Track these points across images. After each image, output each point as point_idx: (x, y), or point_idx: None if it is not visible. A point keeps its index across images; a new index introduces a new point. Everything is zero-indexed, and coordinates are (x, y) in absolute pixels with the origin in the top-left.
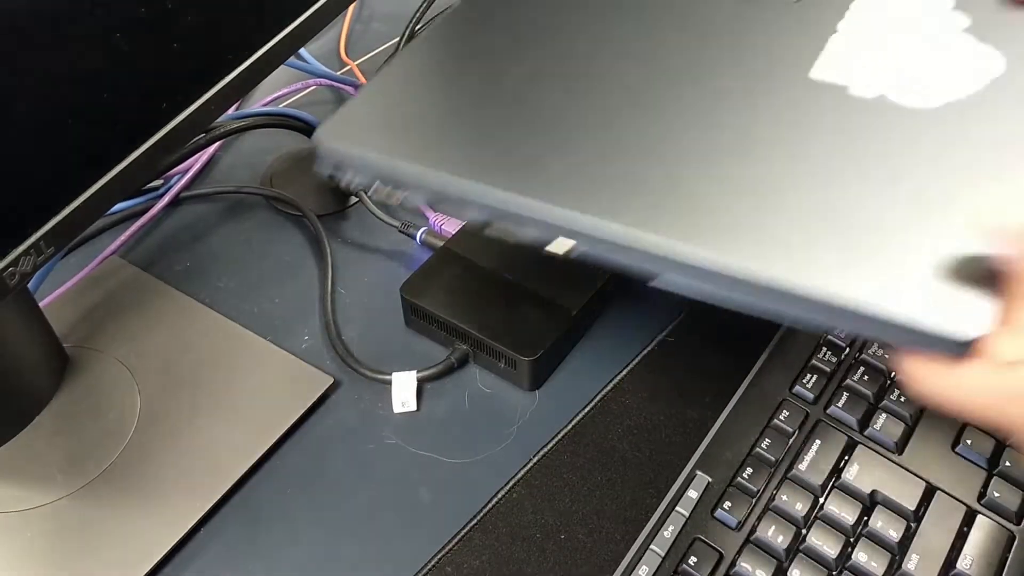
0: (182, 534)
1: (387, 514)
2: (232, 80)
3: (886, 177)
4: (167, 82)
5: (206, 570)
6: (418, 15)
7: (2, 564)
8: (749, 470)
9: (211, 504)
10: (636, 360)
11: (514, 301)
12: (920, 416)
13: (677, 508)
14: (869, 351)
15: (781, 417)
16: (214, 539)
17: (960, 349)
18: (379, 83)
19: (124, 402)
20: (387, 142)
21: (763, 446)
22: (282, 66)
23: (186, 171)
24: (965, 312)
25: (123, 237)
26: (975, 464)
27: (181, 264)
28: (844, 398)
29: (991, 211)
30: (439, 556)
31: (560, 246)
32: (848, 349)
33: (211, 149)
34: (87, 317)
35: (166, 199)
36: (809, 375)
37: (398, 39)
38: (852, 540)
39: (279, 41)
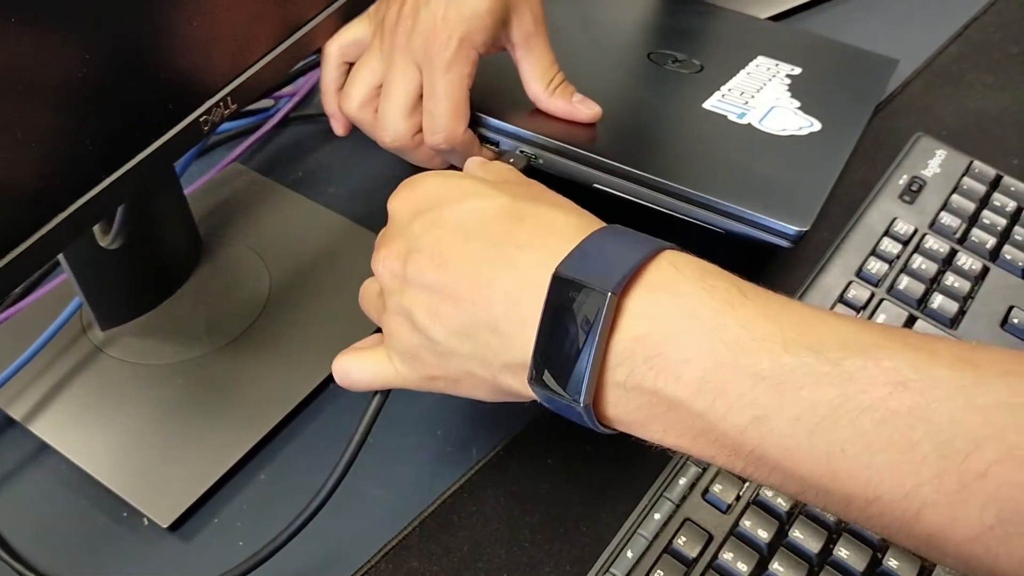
0: (316, 384)
1: None
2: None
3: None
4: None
5: (338, 415)
6: None
7: (158, 407)
8: None
9: None
10: None
11: None
12: (972, 296)
13: None
14: (925, 246)
15: (849, 296)
16: (344, 392)
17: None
18: None
19: (256, 279)
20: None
21: None
22: None
23: (294, 94)
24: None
25: (239, 149)
26: (1020, 338)
27: (294, 174)
28: (905, 281)
29: None
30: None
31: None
32: (908, 242)
33: (316, 75)
34: (215, 212)
35: (277, 117)
36: (874, 261)
37: None
38: None
39: None
